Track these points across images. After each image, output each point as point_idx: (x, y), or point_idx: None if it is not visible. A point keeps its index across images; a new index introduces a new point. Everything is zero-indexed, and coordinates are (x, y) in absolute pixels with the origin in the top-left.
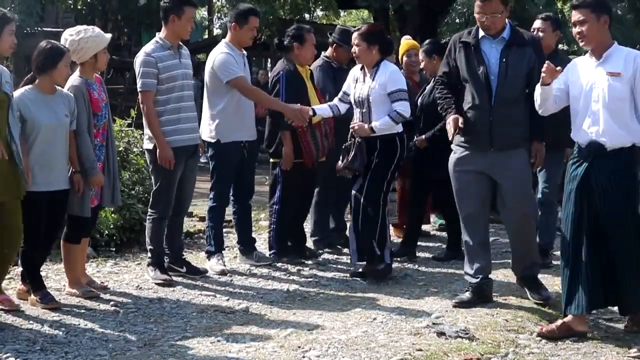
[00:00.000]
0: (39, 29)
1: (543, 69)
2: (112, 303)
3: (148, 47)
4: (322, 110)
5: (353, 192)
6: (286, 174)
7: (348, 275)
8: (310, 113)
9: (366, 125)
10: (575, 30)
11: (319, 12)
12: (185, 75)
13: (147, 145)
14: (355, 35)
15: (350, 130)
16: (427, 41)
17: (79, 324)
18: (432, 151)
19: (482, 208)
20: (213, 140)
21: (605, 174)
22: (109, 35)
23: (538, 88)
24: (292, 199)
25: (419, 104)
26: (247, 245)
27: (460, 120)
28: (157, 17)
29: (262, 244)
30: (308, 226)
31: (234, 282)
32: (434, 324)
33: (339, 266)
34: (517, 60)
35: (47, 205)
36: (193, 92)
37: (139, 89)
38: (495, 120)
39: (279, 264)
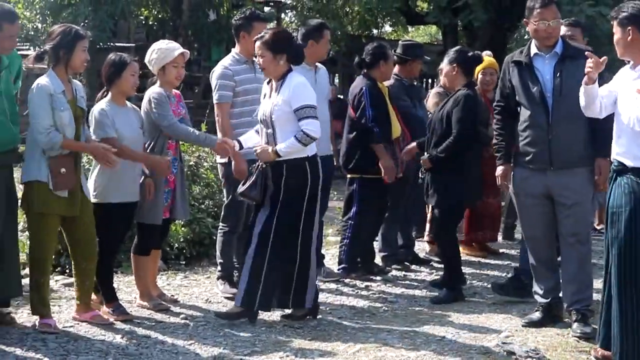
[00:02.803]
0: (111, 44)
1: (588, 62)
2: (182, 316)
3: (225, 60)
4: (250, 138)
5: (252, 227)
6: (363, 190)
7: (416, 292)
8: (237, 146)
9: (270, 149)
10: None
11: (387, 28)
12: (259, 89)
13: (221, 159)
14: (258, 44)
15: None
16: (453, 49)
17: (150, 336)
18: (436, 176)
19: (546, 229)
20: None
21: (620, 195)
22: (177, 51)
23: (582, 87)
24: (367, 215)
25: (430, 120)
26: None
27: (509, 175)
28: (227, 33)
29: (329, 260)
30: (376, 242)
31: None
32: (503, 343)
33: (407, 283)
34: (572, 74)
35: (122, 216)
36: None
37: (215, 101)
38: (554, 138)
39: (347, 280)
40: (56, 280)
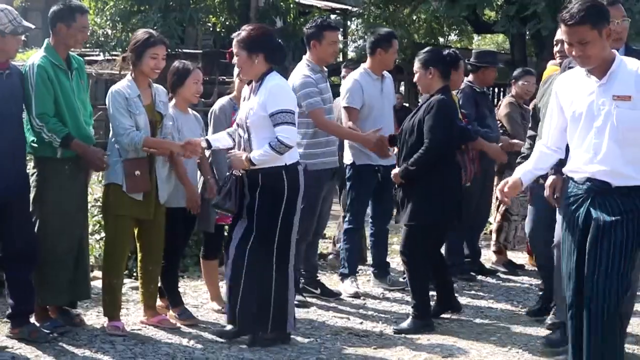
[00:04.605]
0: (179, 50)
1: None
2: None
3: (303, 69)
4: (220, 140)
5: (232, 245)
6: None
7: (482, 302)
8: (204, 145)
9: (244, 156)
10: (572, 51)
11: (453, 37)
12: (331, 98)
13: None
14: (233, 42)
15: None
16: (425, 49)
17: (216, 341)
18: (407, 190)
19: None
20: (349, 162)
21: (607, 212)
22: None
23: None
24: None
25: (401, 128)
26: (381, 269)
27: (558, 186)
28: (293, 40)
29: (394, 268)
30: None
31: (367, 305)
32: None
33: (472, 293)
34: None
35: (180, 221)
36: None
37: (306, 111)
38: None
39: None
40: (124, 284)
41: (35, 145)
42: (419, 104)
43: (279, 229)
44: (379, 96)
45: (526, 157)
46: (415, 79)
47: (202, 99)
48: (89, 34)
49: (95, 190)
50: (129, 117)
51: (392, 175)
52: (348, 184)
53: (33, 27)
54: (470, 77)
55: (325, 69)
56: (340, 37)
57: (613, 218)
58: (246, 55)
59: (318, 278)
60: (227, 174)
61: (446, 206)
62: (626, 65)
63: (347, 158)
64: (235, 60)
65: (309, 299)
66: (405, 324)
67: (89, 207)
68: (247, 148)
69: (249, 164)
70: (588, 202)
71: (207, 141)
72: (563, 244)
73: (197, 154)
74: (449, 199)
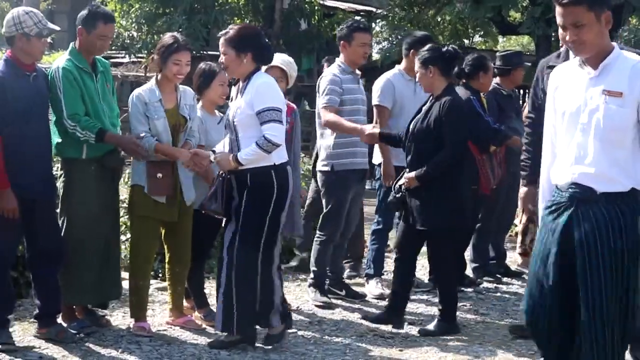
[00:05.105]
0: (204, 52)
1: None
2: None
3: (333, 68)
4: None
5: (223, 251)
6: None
7: (508, 305)
8: (212, 158)
9: (230, 156)
10: (566, 35)
11: (478, 38)
12: (362, 100)
13: (322, 167)
14: (221, 41)
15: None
16: (424, 48)
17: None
18: (423, 194)
19: None
20: (378, 163)
21: (592, 224)
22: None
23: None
24: None
25: (410, 130)
26: None
27: (530, 197)
28: (318, 42)
29: (419, 270)
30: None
31: None
32: None
33: (498, 295)
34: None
35: (206, 222)
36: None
37: (322, 106)
38: None
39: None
40: (150, 285)
41: (61, 146)
42: (424, 106)
43: (266, 228)
44: (412, 97)
45: (528, 153)
46: (417, 79)
47: (228, 101)
48: (114, 36)
49: (121, 192)
50: (145, 123)
51: (405, 179)
52: (377, 184)
53: (58, 29)
54: (498, 80)
55: (358, 71)
56: None
57: (598, 238)
58: (234, 54)
59: (343, 279)
60: (215, 175)
61: (457, 207)
62: (624, 60)
63: (377, 158)
64: (222, 58)
65: (334, 301)
66: (431, 326)
67: None
68: (235, 148)
69: (236, 164)
70: (571, 211)
71: (214, 152)
72: (536, 257)
73: (202, 168)
74: (460, 200)
